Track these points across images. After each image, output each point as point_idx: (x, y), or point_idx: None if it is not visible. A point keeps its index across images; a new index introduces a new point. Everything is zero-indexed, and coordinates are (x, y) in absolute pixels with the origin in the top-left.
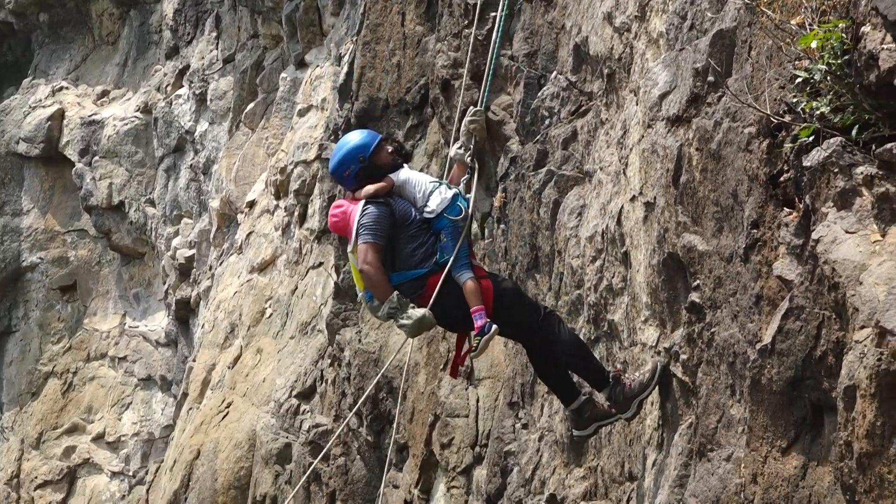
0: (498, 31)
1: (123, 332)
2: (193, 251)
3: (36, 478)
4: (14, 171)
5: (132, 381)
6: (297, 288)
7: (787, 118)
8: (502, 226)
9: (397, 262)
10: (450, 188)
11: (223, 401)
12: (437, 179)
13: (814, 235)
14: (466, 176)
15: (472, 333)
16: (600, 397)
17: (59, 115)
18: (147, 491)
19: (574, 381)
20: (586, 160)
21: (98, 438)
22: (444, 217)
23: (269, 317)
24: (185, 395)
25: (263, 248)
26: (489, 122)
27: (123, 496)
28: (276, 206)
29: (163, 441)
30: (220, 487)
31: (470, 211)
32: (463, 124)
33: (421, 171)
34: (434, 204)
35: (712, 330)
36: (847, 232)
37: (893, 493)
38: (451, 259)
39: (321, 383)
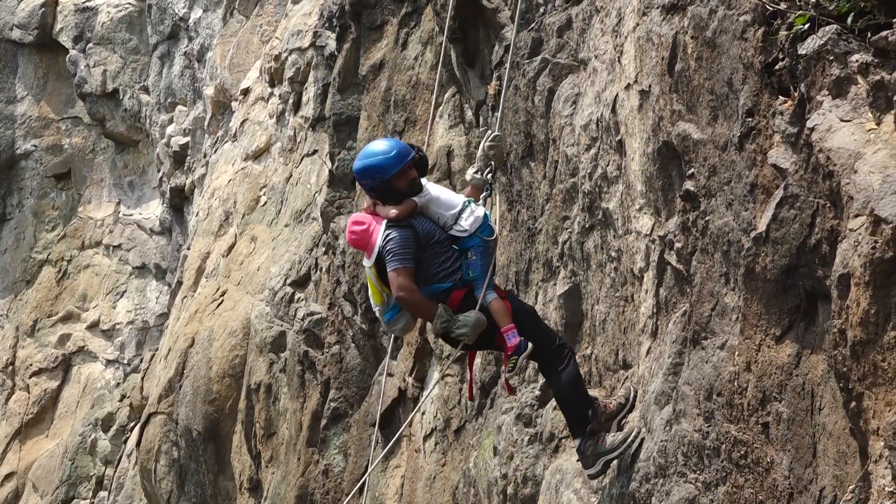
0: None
1: (118, 220)
2: (188, 139)
3: (31, 365)
4: (8, 58)
5: (127, 270)
6: (291, 176)
7: (783, 5)
8: (496, 114)
9: (420, 279)
10: (477, 205)
11: (218, 289)
12: (463, 197)
13: (808, 124)
14: (486, 193)
15: (507, 353)
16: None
17: (53, 2)
18: (142, 379)
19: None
20: (581, 48)
21: (93, 326)
22: (477, 236)
23: (264, 205)
24: (179, 283)
25: (258, 135)
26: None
27: (118, 384)
28: (271, 94)
29: (157, 329)
30: (214, 375)
31: (496, 232)
32: (481, 148)
33: (415, 58)
34: (467, 224)
35: (707, 218)
36: (842, 120)
37: (887, 380)
38: (479, 278)
39: (316, 271)
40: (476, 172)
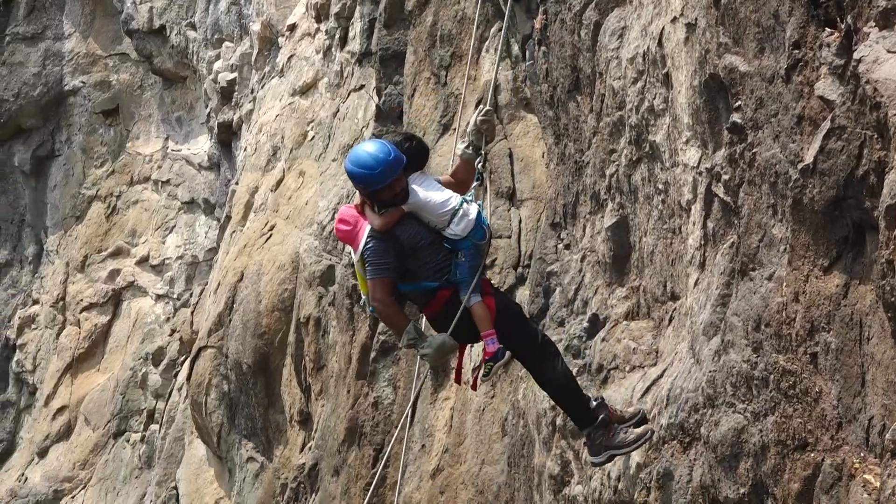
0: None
1: (166, 155)
2: (235, 74)
3: (81, 300)
4: None
5: (175, 205)
6: (338, 111)
7: None
8: (543, 48)
9: (408, 276)
10: (468, 203)
11: (266, 223)
12: (457, 197)
13: (855, 55)
14: (476, 182)
15: (485, 358)
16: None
17: None
18: (192, 313)
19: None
20: None
21: (142, 262)
22: (468, 240)
23: (311, 139)
24: (228, 217)
25: (305, 70)
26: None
27: (168, 318)
28: (317, 29)
29: (206, 264)
30: (263, 309)
31: (490, 231)
32: (471, 122)
33: None
34: (459, 228)
35: (754, 150)
36: (889, 52)
37: None
38: (465, 280)
39: None
40: (467, 148)
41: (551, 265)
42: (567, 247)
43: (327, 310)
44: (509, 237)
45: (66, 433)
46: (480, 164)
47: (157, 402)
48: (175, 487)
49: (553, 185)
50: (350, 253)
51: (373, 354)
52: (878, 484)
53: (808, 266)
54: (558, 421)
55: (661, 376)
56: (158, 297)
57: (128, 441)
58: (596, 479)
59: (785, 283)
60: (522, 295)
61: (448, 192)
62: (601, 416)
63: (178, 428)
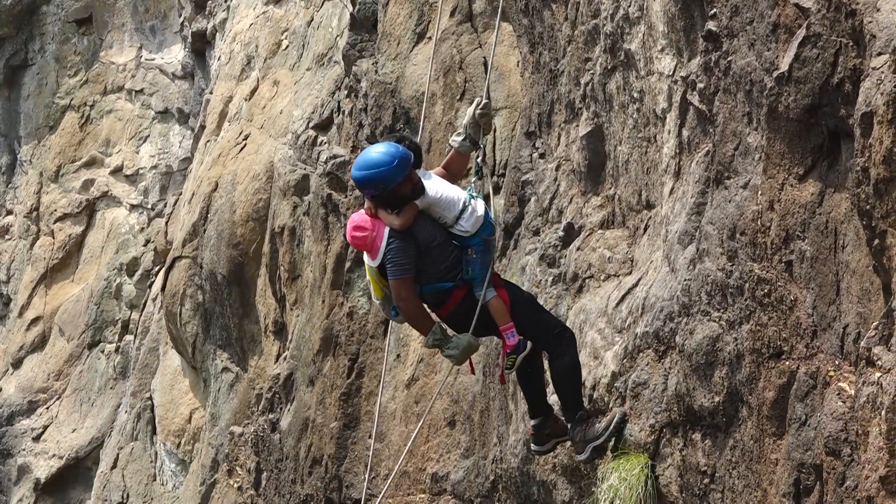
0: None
1: (140, 64)
2: None
3: (55, 211)
4: None
5: (149, 114)
6: (312, 19)
7: None
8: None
9: (423, 277)
10: (475, 198)
11: (240, 133)
12: (462, 191)
13: None
14: (475, 179)
15: (506, 350)
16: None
17: None
18: (166, 223)
19: (545, 400)
20: None
21: (116, 171)
22: (478, 236)
23: (286, 48)
24: (202, 127)
25: None
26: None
27: (142, 228)
28: None
29: (181, 174)
30: (238, 219)
31: (498, 229)
32: (468, 115)
33: None
34: (468, 224)
35: (729, 58)
36: None
37: None
38: (478, 277)
39: (338, 114)
40: (464, 140)
41: (526, 174)
42: (542, 156)
43: (302, 219)
44: (484, 146)
45: (40, 344)
46: (480, 159)
47: (131, 312)
48: (150, 398)
49: (528, 93)
50: (366, 260)
51: (347, 264)
52: (852, 392)
53: (783, 174)
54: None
55: (636, 285)
56: (133, 208)
57: (102, 352)
58: None
59: (760, 192)
60: (497, 204)
61: (456, 188)
62: (581, 411)
63: (152, 338)
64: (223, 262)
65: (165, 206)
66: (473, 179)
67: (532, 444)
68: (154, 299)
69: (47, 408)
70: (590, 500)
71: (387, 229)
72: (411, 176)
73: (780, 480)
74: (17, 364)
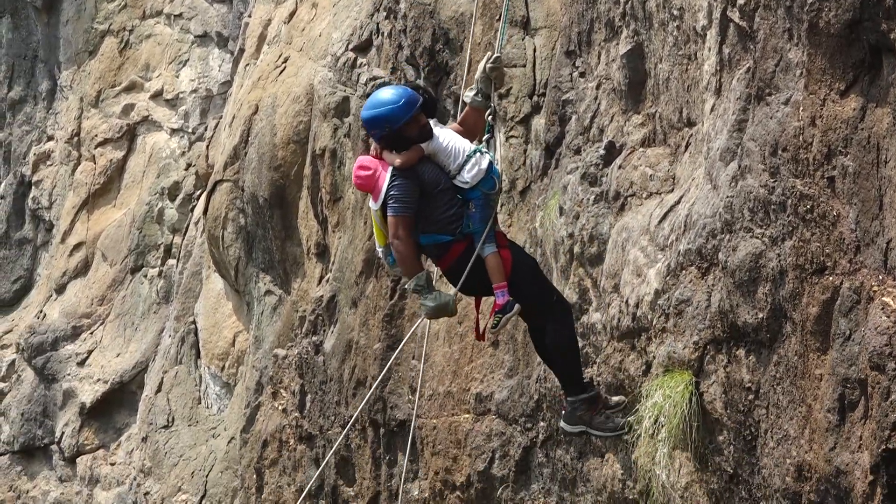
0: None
1: None
2: None
3: (96, 136)
4: None
5: (188, 38)
6: None
7: None
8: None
9: (423, 224)
10: (482, 153)
11: (280, 56)
12: (470, 145)
13: None
14: (487, 135)
15: (494, 309)
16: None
17: None
18: (207, 147)
19: (580, 376)
20: None
21: (156, 96)
22: (478, 189)
23: None
24: (241, 50)
25: None
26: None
27: (183, 153)
28: None
29: (221, 97)
30: (279, 142)
31: (500, 183)
32: (480, 70)
33: None
34: (469, 176)
35: None
36: None
37: None
38: (478, 231)
39: (377, 36)
40: (476, 95)
41: (566, 93)
42: (582, 75)
43: (343, 141)
44: (524, 66)
45: (83, 269)
46: (490, 117)
47: (173, 236)
48: (193, 322)
49: (567, 12)
50: (369, 203)
51: None
52: None
53: (825, 90)
54: (576, 249)
55: (678, 203)
56: (173, 132)
57: (145, 276)
58: (614, 306)
59: (801, 108)
60: (538, 123)
61: (464, 139)
62: (592, 392)
63: (195, 262)
64: (264, 184)
65: (206, 129)
66: (486, 137)
67: (562, 421)
68: (196, 223)
69: (91, 333)
70: (634, 418)
71: (390, 168)
72: (418, 118)
73: (825, 396)
74: (60, 290)
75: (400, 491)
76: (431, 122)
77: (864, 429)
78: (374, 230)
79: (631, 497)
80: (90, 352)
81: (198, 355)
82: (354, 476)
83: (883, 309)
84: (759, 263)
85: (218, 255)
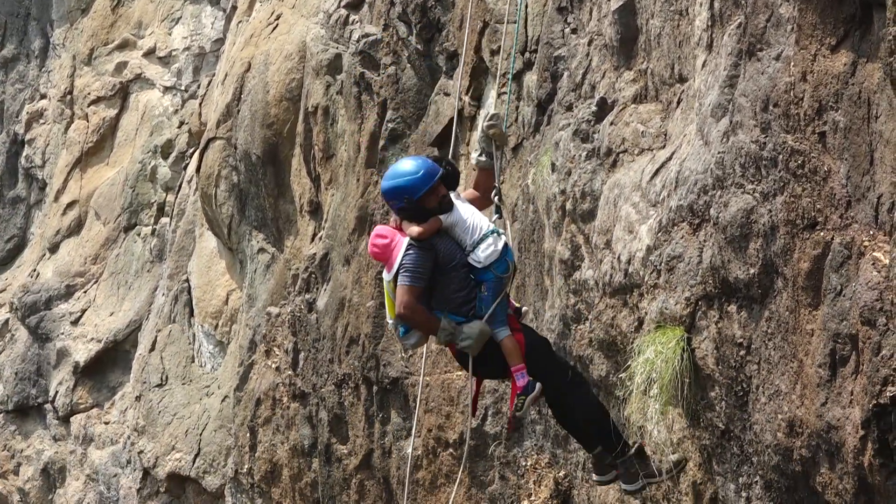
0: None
1: None
2: None
3: (89, 94)
4: None
5: None
6: None
7: None
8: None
9: (436, 301)
10: (499, 235)
11: (272, 13)
12: (489, 223)
13: None
14: (496, 216)
15: (515, 391)
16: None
17: None
18: (200, 105)
19: (594, 430)
20: None
21: (149, 53)
22: (491, 272)
23: None
24: (234, 8)
25: None
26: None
27: (176, 110)
28: None
29: (214, 55)
30: (272, 99)
31: (514, 266)
32: (480, 130)
33: None
34: (483, 255)
35: None
36: None
37: None
38: (489, 314)
39: None
40: (480, 156)
41: (558, 50)
42: (574, 31)
43: (335, 98)
44: (515, 23)
45: (76, 228)
46: (497, 198)
47: (166, 194)
48: (187, 280)
49: None
50: (383, 275)
51: (382, 142)
52: (887, 261)
53: (816, 45)
54: (568, 205)
55: (669, 158)
56: (166, 89)
57: (139, 235)
58: (606, 262)
59: (792, 63)
60: (530, 80)
61: (482, 217)
62: (637, 444)
63: (188, 220)
64: (257, 142)
65: (199, 87)
66: (494, 218)
67: (593, 475)
68: (189, 181)
69: (85, 291)
70: (626, 374)
71: (406, 239)
72: (438, 189)
73: (816, 351)
74: (53, 248)
75: (394, 448)
76: (452, 194)
77: (856, 384)
78: (387, 302)
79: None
80: (84, 311)
81: (191, 314)
82: (348, 434)
83: (874, 264)
84: (751, 219)
85: (211, 212)
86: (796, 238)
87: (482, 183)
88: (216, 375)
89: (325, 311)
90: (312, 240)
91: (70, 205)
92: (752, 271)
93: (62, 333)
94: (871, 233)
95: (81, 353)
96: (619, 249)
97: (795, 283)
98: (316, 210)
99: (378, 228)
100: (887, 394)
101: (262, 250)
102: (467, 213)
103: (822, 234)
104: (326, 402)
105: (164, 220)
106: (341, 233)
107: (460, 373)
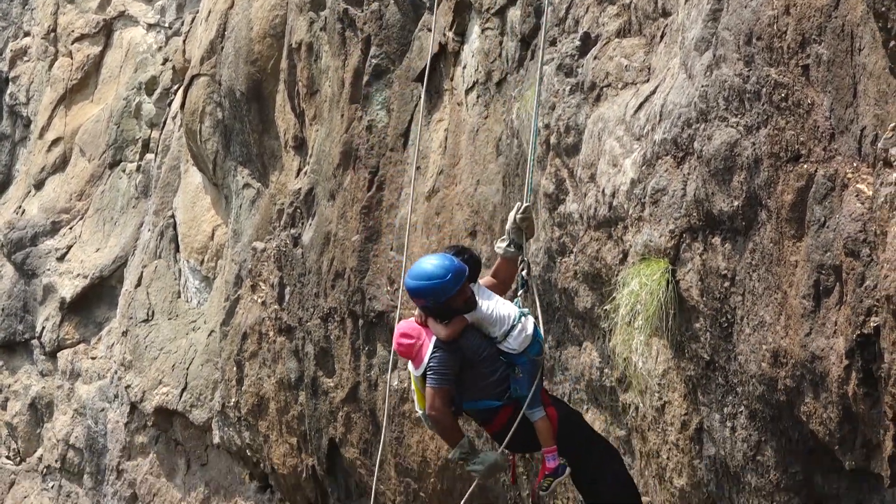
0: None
1: None
2: None
3: (73, 31)
4: None
5: None
6: None
7: None
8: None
9: (468, 393)
10: (525, 316)
11: None
12: (514, 308)
13: None
14: (523, 290)
15: (544, 472)
16: None
17: None
18: (184, 42)
19: None
20: None
21: None
22: (524, 356)
23: None
24: None
25: None
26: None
27: (160, 47)
28: None
29: None
30: (255, 36)
31: (546, 346)
32: (511, 220)
33: None
34: (516, 343)
35: None
36: None
37: None
38: (525, 396)
39: None
40: (509, 246)
41: None
42: None
43: (319, 35)
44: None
45: (61, 165)
46: (525, 273)
47: (151, 131)
48: (172, 216)
49: None
50: (410, 369)
51: (366, 78)
52: (870, 193)
53: None
54: (552, 139)
55: (653, 92)
56: (150, 27)
57: (124, 171)
58: (591, 195)
59: None
60: (514, 15)
61: (508, 304)
62: None
63: (173, 156)
64: (241, 78)
65: (182, 24)
66: (520, 292)
67: None
68: (174, 117)
69: (70, 228)
70: (611, 306)
71: (433, 338)
72: (464, 289)
73: (800, 282)
74: (39, 185)
75: (380, 381)
76: (473, 286)
77: (839, 314)
78: (415, 394)
79: (608, 384)
80: (69, 247)
81: (177, 249)
82: (334, 367)
83: (857, 196)
84: (735, 152)
85: (196, 148)
86: (780, 170)
87: (504, 271)
88: (202, 310)
89: (311, 246)
90: (297, 175)
91: (55, 142)
92: (736, 204)
93: (48, 269)
94: (855, 165)
95: (68, 288)
96: (604, 183)
97: (779, 216)
98: (301, 145)
99: (403, 326)
100: (871, 324)
101: (247, 185)
102: (491, 306)
103: (805, 166)
104: (312, 336)
105: (149, 156)
106: (326, 168)
107: None
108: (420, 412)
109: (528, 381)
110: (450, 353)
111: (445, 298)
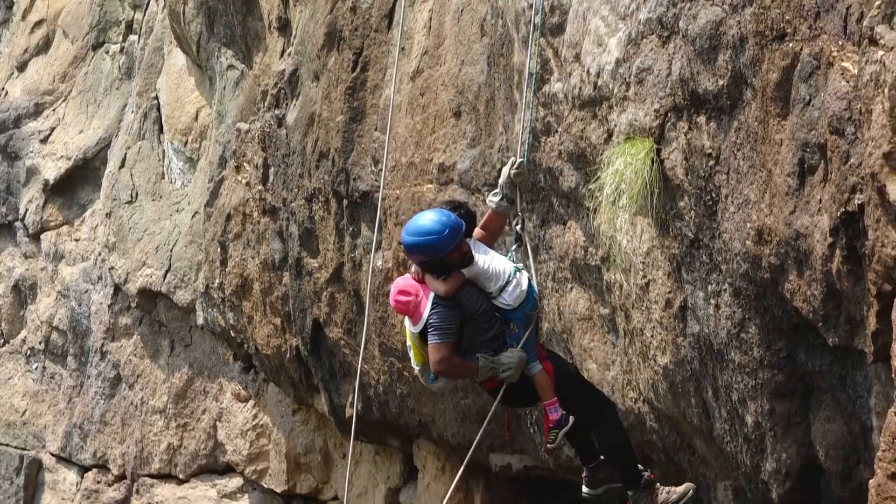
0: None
1: None
2: None
3: None
4: None
5: None
6: None
7: None
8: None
9: (465, 345)
10: (520, 271)
11: None
12: (508, 263)
13: None
14: (516, 244)
15: (548, 426)
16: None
17: None
18: None
19: (594, 448)
20: None
21: None
22: (519, 311)
23: None
24: None
25: None
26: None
27: None
28: None
29: None
30: None
31: (539, 300)
32: (504, 175)
33: None
34: (511, 298)
35: None
36: None
37: None
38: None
39: None
40: (502, 200)
41: None
42: None
43: None
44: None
45: (44, 47)
46: (519, 227)
47: (134, 12)
48: (156, 97)
49: None
50: (407, 325)
51: None
52: (855, 71)
53: None
54: (536, 20)
55: None
56: None
57: (107, 53)
58: (576, 75)
59: None
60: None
61: (502, 259)
62: (644, 477)
63: (156, 38)
64: None
65: None
66: (514, 247)
67: (584, 487)
68: None
69: (53, 110)
70: (596, 185)
71: (431, 294)
72: (461, 245)
73: (785, 160)
74: (21, 67)
75: (364, 261)
76: (469, 241)
77: (824, 192)
78: (412, 350)
79: (593, 263)
80: (53, 129)
81: (161, 130)
82: (318, 248)
83: (842, 74)
84: (720, 31)
85: (179, 30)
86: (765, 49)
87: (494, 224)
88: (186, 191)
89: (295, 127)
90: (281, 56)
91: (38, 23)
92: (721, 83)
93: (31, 151)
94: (840, 43)
95: (51, 170)
96: (589, 63)
97: (764, 94)
98: (285, 26)
99: (399, 283)
100: (855, 201)
101: (231, 67)
102: (487, 261)
103: (791, 44)
104: (297, 217)
105: (133, 37)
106: (310, 49)
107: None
108: (417, 368)
109: (523, 335)
110: (450, 309)
111: (443, 254)
